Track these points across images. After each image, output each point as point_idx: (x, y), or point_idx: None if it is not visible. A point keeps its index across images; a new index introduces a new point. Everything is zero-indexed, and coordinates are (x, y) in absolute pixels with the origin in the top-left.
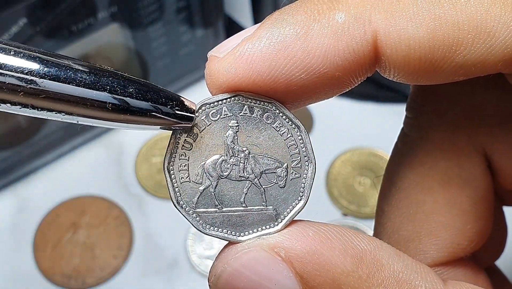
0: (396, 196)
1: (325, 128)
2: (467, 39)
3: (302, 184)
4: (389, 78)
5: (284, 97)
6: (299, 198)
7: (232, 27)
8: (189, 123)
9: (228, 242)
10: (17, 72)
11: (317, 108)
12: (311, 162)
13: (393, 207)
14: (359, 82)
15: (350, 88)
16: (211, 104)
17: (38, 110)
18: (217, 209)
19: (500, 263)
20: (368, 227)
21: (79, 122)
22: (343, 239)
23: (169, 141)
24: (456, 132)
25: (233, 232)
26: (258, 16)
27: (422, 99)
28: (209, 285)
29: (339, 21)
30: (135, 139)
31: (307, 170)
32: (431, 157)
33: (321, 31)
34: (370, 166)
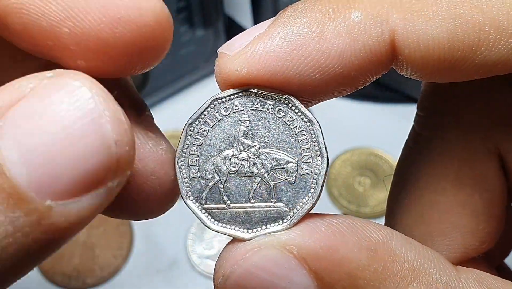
0: (408, 196)
1: (325, 128)
2: (488, 40)
3: (314, 180)
4: (406, 76)
5: (297, 96)
6: (310, 195)
7: (232, 27)
8: None
9: (232, 239)
10: None
11: (317, 108)
12: (323, 157)
13: (405, 207)
14: (374, 80)
15: (364, 86)
16: (222, 99)
17: None
18: (225, 205)
19: (509, 261)
20: None
21: None
22: (355, 231)
23: (180, 136)
24: (469, 132)
25: (240, 229)
26: (258, 16)
27: (435, 98)
28: (214, 286)
29: (356, 20)
30: None
31: (318, 166)
32: (444, 157)
33: (336, 31)
34: (370, 166)
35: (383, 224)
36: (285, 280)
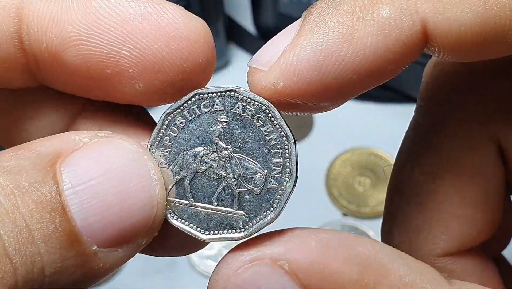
0: (406, 185)
1: (325, 128)
2: None
3: (278, 196)
4: (438, 57)
5: (336, 99)
6: (272, 209)
7: (232, 27)
8: None
9: (229, 251)
10: None
11: None
12: (292, 176)
13: (403, 196)
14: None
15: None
16: (204, 95)
17: None
18: (188, 202)
19: (507, 252)
20: (368, 227)
21: None
22: (346, 246)
23: (157, 124)
24: (469, 122)
25: (198, 228)
26: (258, 16)
27: (436, 88)
28: None
29: (385, 16)
30: None
31: (286, 182)
32: (443, 146)
33: (367, 30)
34: (370, 166)
35: None
36: None
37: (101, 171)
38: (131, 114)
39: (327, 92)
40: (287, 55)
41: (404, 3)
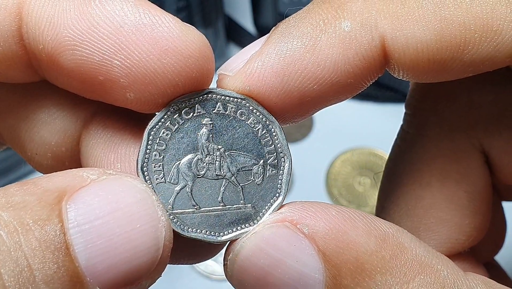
0: (395, 192)
1: (325, 128)
2: (474, 38)
3: (280, 180)
4: (399, 78)
5: (299, 109)
6: (277, 194)
7: (232, 27)
8: None
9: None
10: None
11: None
12: (288, 157)
13: (392, 203)
14: (370, 84)
15: (361, 90)
16: (183, 104)
17: None
18: (194, 210)
19: (500, 258)
20: None
21: None
22: (365, 220)
23: (142, 140)
24: (453, 129)
25: (212, 232)
26: (258, 16)
27: (421, 96)
28: (224, 265)
29: (346, 30)
30: None
31: (283, 166)
32: (429, 153)
33: (329, 42)
34: (370, 166)
35: None
36: (293, 258)
37: (108, 210)
38: (143, 121)
39: (290, 100)
40: (252, 62)
41: (365, 19)
